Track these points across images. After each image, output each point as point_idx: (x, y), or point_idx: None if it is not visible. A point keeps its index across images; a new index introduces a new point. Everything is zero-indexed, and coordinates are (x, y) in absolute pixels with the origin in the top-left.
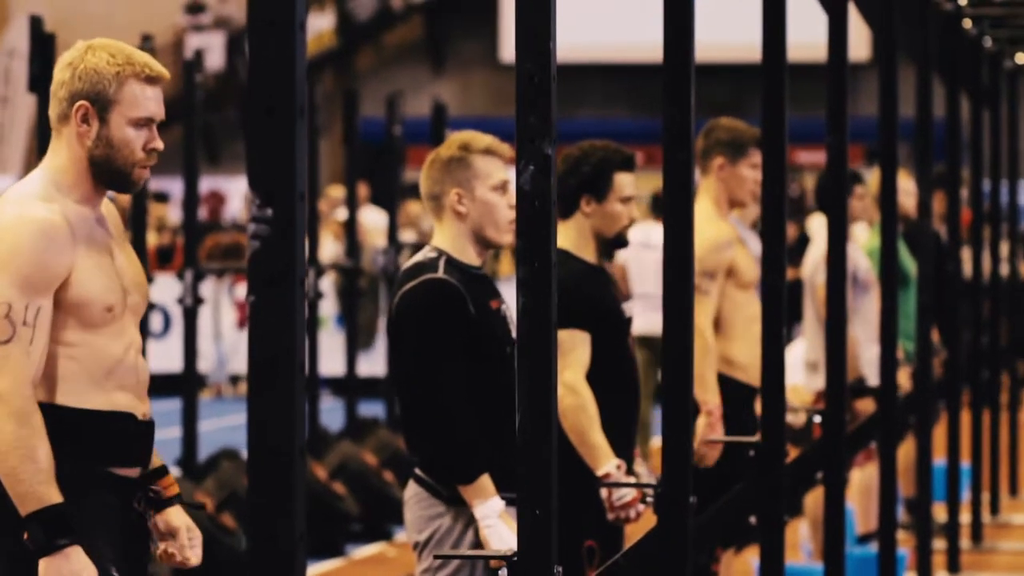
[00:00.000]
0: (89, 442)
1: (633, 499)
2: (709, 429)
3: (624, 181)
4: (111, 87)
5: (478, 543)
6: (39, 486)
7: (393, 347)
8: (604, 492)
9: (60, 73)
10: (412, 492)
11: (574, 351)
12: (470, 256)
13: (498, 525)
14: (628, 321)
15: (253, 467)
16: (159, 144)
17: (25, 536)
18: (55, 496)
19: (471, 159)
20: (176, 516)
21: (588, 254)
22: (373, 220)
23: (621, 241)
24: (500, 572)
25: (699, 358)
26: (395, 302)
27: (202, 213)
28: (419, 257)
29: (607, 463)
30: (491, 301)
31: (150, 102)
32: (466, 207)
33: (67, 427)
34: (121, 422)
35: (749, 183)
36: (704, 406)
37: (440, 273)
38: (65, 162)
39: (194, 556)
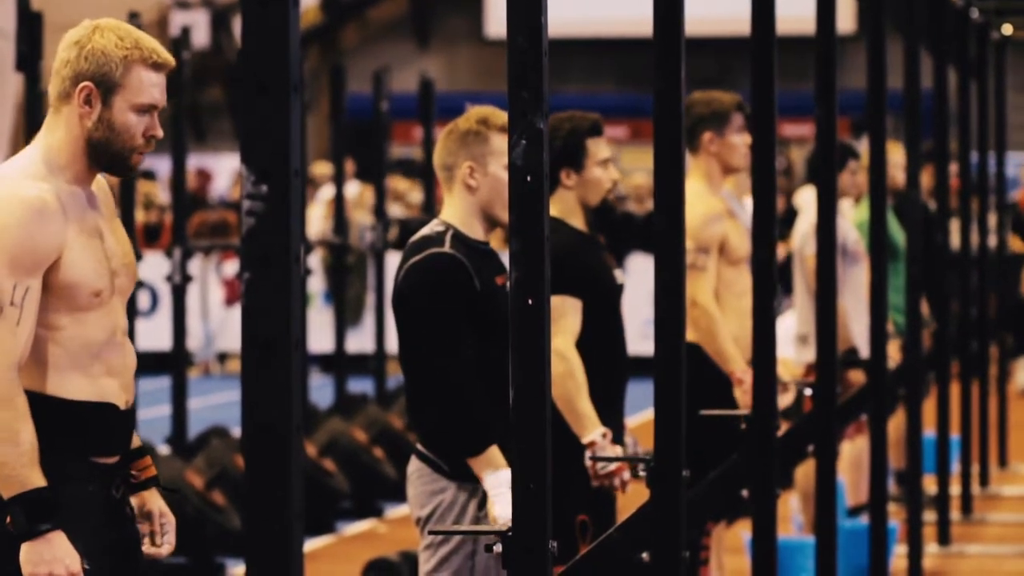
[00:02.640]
0: (72, 433)
1: (618, 468)
2: (747, 397)
3: (598, 146)
4: (117, 71)
5: (480, 518)
6: (22, 469)
7: (398, 321)
8: (588, 460)
9: (65, 51)
10: (414, 468)
11: (565, 317)
12: (477, 231)
13: (507, 494)
14: (620, 288)
15: (249, 447)
16: (159, 132)
17: (8, 520)
18: (38, 480)
19: (488, 134)
20: (151, 499)
21: (578, 224)
22: (354, 192)
23: (608, 208)
24: (495, 548)
25: (712, 334)
26: (400, 276)
27: (188, 191)
28: (426, 231)
29: (593, 431)
30: (497, 277)
31: (154, 89)
32: (477, 181)
33: (51, 417)
34: (104, 413)
35: (741, 148)
36: (734, 376)
37: (446, 247)
38: (61, 141)
39: (166, 544)
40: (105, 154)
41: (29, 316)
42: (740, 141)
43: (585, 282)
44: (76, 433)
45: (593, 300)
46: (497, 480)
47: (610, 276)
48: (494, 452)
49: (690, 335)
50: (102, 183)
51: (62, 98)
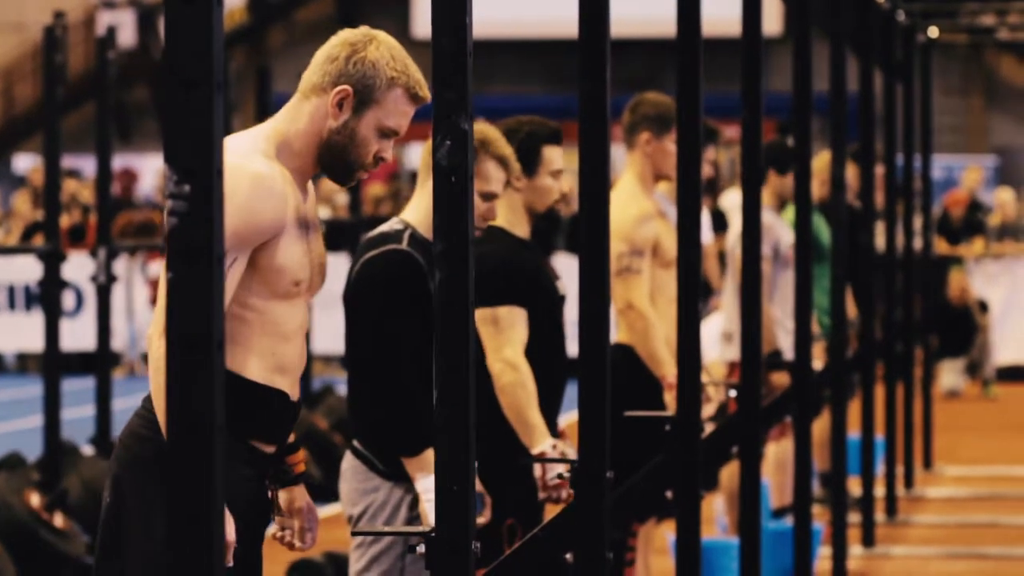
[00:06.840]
0: (241, 412)
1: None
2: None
3: (553, 154)
4: (380, 87)
5: (412, 518)
6: None
7: (349, 315)
8: (537, 471)
9: (335, 48)
10: (348, 464)
11: (513, 328)
12: None
13: None
14: (562, 299)
15: (172, 444)
16: (389, 157)
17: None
18: None
19: (481, 157)
20: (301, 495)
21: (521, 231)
22: None
23: (552, 215)
24: (418, 549)
25: (646, 337)
26: (356, 269)
27: (114, 191)
28: (384, 227)
29: (543, 442)
30: None
31: (404, 118)
32: None
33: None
34: (276, 399)
35: (675, 157)
36: (665, 380)
37: (403, 245)
38: (300, 131)
39: (309, 539)
40: (336, 159)
41: (229, 288)
42: (675, 151)
43: (530, 292)
44: (245, 414)
45: (537, 309)
46: (430, 483)
47: (553, 286)
48: (430, 455)
49: (625, 337)
50: (311, 189)
51: (316, 90)
